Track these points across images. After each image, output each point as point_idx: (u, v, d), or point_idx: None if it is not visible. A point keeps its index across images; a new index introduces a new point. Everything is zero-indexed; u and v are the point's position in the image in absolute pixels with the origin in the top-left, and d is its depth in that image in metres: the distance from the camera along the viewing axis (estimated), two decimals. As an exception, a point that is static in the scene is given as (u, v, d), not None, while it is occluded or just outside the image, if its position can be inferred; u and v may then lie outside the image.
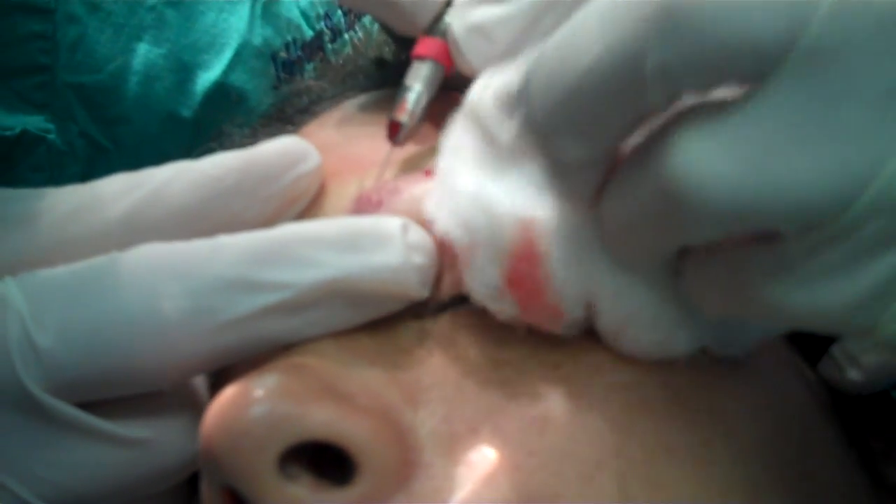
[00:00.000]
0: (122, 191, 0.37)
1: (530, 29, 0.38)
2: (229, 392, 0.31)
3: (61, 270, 0.34)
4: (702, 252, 0.30)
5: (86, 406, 0.34)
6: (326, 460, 0.32)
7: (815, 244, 0.25)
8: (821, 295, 0.25)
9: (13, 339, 0.32)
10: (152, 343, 0.33)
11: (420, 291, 0.36)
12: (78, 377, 0.33)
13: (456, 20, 0.39)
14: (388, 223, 0.35)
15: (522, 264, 0.32)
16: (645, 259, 0.31)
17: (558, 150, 0.30)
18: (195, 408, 0.36)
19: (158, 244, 0.35)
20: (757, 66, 0.24)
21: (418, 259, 0.35)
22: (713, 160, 0.25)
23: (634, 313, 0.32)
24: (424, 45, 0.41)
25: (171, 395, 0.36)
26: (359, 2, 0.43)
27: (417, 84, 0.40)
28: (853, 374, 0.37)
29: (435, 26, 0.41)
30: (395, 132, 0.40)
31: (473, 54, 0.39)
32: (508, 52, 0.39)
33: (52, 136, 0.60)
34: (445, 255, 0.36)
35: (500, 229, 0.33)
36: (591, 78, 0.27)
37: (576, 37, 0.28)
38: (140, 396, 0.35)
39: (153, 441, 0.35)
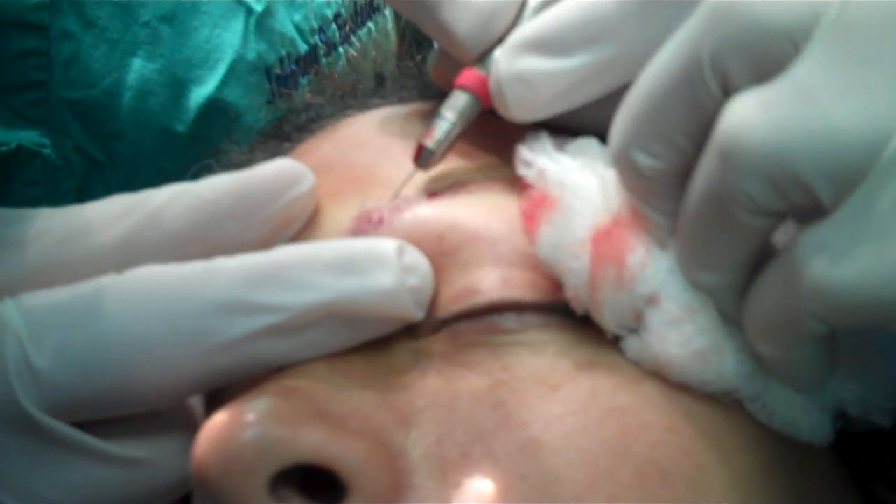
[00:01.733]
0: (118, 214, 0.37)
1: (574, 89, 0.39)
2: (221, 416, 0.32)
3: (59, 292, 0.35)
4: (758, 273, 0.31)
5: (83, 426, 0.34)
6: (318, 483, 0.32)
7: (852, 209, 0.27)
8: (861, 266, 0.26)
9: (11, 360, 0.33)
10: (149, 364, 0.33)
11: (415, 313, 0.36)
12: (75, 398, 0.33)
13: (503, 64, 0.39)
14: (383, 245, 0.36)
15: (618, 228, 0.33)
16: (717, 258, 0.31)
17: (635, 166, 0.32)
18: (190, 427, 0.36)
19: (155, 266, 0.35)
20: (787, 44, 0.28)
21: (413, 281, 0.36)
22: (759, 113, 0.28)
23: (699, 307, 0.33)
24: (468, 77, 0.41)
25: (167, 414, 0.36)
26: (417, 20, 0.43)
27: (451, 114, 0.40)
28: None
29: (484, 59, 0.41)
30: (419, 156, 0.40)
31: (513, 101, 0.39)
32: (548, 105, 0.39)
33: (47, 151, 0.60)
34: (534, 205, 0.36)
35: (611, 191, 0.34)
36: (659, 81, 0.30)
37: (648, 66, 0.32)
38: (136, 416, 0.35)
39: (149, 460, 0.35)
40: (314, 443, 0.31)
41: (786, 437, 0.35)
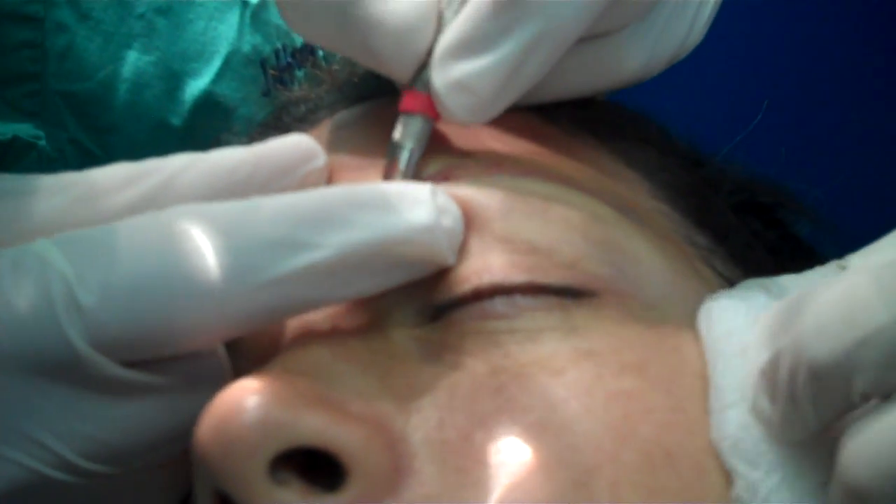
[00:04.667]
0: (128, 179, 0.37)
1: (513, 77, 0.38)
2: (222, 397, 0.31)
3: (98, 231, 0.34)
4: None
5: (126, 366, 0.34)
6: (318, 465, 0.32)
7: None
8: None
9: (58, 299, 0.32)
10: (194, 303, 0.33)
11: (448, 257, 0.36)
12: (121, 336, 0.32)
13: (437, 78, 0.39)
14: (418, 186, 0.36)
15: None
16: None
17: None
18: (219, 366, 0.36)
19: (196, 204, 0.35)
20: None
21: (448, 222, 0.36)
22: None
23: None
24: (411, 100, 0.40)
25: (204, 354, 0.36)
26: (339, 49, 0.43)
27: (409, 142, 0.40)
28: None
29: (419, 78, 0.40)
30: None
31: (460, 110, 0.39)
32: (495, 102, 0.39)
33: (42, 143, 0.60)
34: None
35: None
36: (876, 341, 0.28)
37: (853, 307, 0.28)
38: (176, 357, 0.35)
39: (187, 394, 0.35)
40: (315, 426, 0.31)
41: None
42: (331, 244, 0.34)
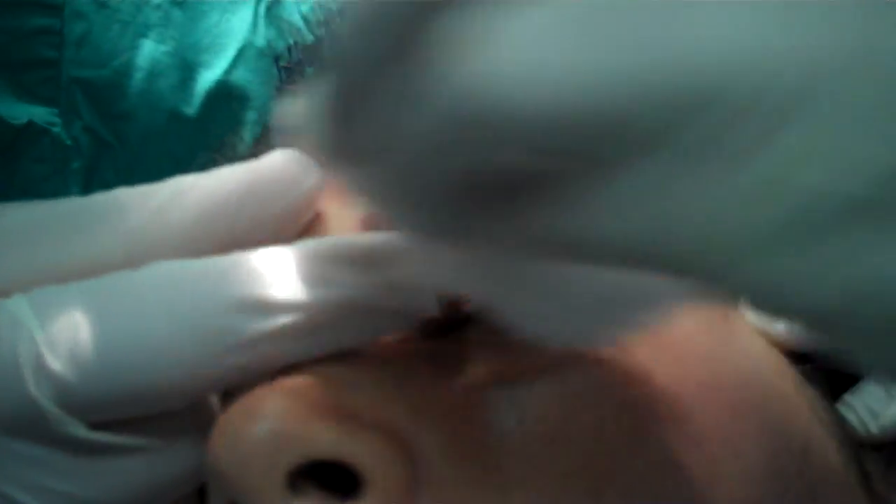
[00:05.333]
0: (121, 209, 0.37)
1: None
2: (236, 410, 0.32)
3: (72, 289, 0.34)
4: None
5: (97, 425, 0.33)
6: (335, 474, 0.33)
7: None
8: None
9: (26, 361, 0.32)
10: (166, 366, 0.33)
11: (433, 309, 0.35)
12: (91, 399, 0.33)
13: None
14: (404, 239, 0.35)
15: None
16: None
17: None
18: (204, 416, 0.36)
19: (171, 262, 0.34)
20: None
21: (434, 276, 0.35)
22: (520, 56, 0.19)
23: None
24: None
25: (180, 410, 0.35)
26: None
27: None
28: (873, 428, 0.37)
29: None
30: None
31: None
32: None
33: (56, 130, 0.60)
34: None
35: None
36: None
37: None
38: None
39: (165, 450, 0.35)
40: (329, 439, 0.31)
41: (791, 430, 0.36)
42: (305, 305, 0.33)
